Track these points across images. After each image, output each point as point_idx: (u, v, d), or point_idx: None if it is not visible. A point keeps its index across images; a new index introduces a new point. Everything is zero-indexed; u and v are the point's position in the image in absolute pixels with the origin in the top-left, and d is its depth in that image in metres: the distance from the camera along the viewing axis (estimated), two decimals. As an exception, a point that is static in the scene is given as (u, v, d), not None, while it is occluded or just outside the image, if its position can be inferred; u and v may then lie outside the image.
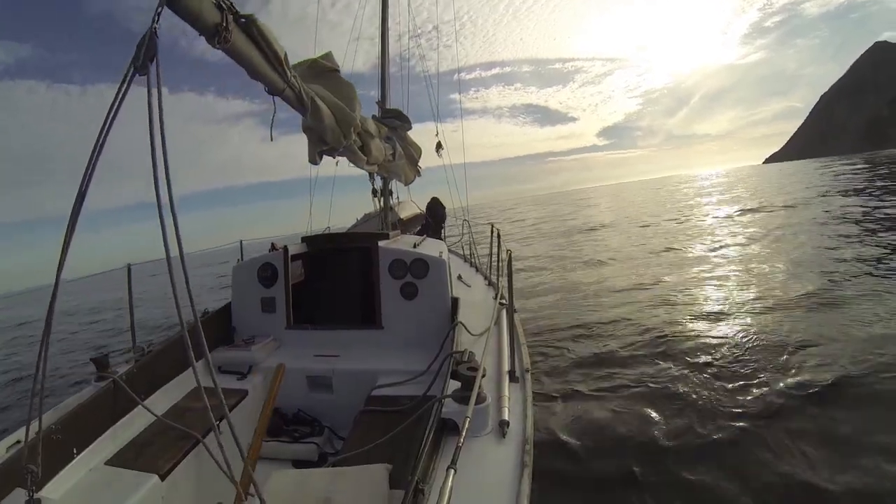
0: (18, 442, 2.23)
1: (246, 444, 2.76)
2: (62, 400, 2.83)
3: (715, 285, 8.05)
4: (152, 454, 2.15)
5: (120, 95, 1.20)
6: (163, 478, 2.00)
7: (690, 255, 11.25)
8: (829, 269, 7.95)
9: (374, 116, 5.13)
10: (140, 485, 1.92)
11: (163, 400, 2.66)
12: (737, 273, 8.67)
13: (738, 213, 19.63)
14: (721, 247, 11.72)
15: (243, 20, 1.90)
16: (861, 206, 15.68)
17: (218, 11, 1.72)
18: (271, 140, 2.40)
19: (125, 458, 2.12)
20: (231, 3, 1.78)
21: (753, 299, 6.85)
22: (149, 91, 1.14)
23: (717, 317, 6.27)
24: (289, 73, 2.33)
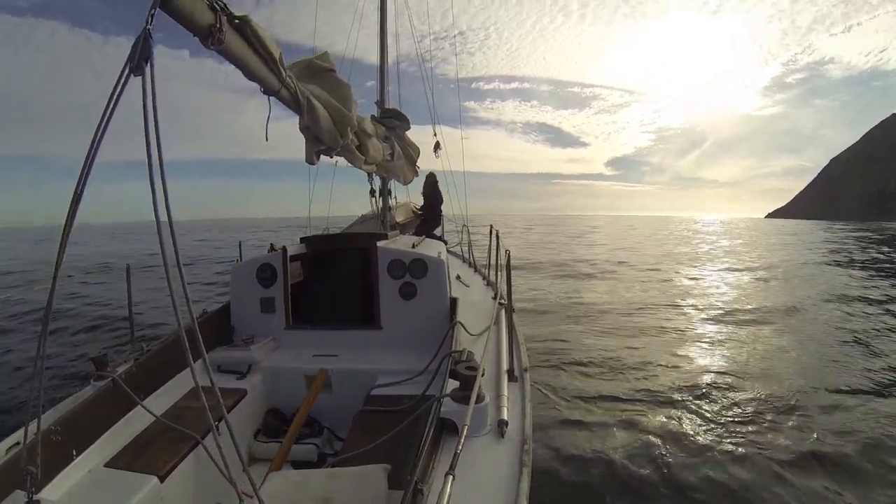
0: (18, 444, 2.23)
1: (245, 444, 2.76)
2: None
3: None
4: (152, 455, 2.14)
5: (115, 97, 1.17)
6: (162, 479, 1.99)
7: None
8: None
9: (372, 116, 5.12)
10: (139, 486, 1.92)
11: (162, 399, 2.65)
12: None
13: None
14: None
15: (237, 21, 1.89)
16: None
17: (211, 12, 1.70)
18: (266, 140, 2.40)
19: (124, 460, 2.12)
20: (225, 4, 1.76)
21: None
22: (143, 93, 1.12)
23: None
24: (284, 74, 2.32)
